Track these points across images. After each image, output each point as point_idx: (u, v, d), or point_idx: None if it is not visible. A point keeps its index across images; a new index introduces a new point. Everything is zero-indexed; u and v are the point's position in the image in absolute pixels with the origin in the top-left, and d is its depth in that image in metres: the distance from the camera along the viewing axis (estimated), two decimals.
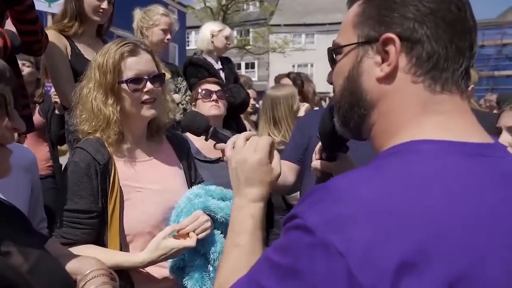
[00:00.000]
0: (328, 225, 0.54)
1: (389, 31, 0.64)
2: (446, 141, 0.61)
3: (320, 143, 1.11)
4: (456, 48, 0.63)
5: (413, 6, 0.63)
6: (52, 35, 2.25)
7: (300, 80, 3.93)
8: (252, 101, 4.17)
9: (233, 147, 0.88)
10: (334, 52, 0.73)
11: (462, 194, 0.56)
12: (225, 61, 3.43)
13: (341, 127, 0.77)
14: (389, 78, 0.65)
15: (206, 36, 3.34)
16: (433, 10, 0.62)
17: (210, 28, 3.34)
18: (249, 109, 4.19)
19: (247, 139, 0.87)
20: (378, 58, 0.66)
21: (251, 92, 4.22)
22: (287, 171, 1.96)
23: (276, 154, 0.88)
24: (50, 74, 2.47)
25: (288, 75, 3.96)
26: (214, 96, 2.34)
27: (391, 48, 0.64)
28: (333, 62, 0.74)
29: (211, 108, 2.31)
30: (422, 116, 0.64)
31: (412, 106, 0.64)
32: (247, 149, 0.85)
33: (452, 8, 0.62)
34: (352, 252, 0.52)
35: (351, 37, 0.69)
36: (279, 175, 0.86)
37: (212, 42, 3.30)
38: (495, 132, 1.54)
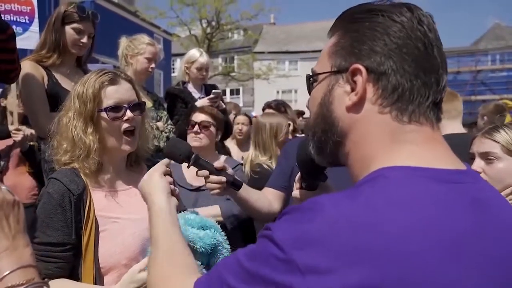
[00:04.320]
0: (296, 242, 0.56)
1: (358, 62, 0.66)
2: (416, 167, 0.63)
3: (299, 173, 1.12)
4: (421, 82, 0.65)
5: (381, 40, 0.65)
6: (29, 65, 2.25)
7: (283, 108, 3.98)
8: (240, 126, 4.19)
9: None
10: (312, 79, 0.76)
11: (430, 220, 0.57)
12: (210, 88, 3.47)
13: (316, 154, 0.78)
14: (356, 107, 0.67)
15: (181, 68, 3.45)
16: (400, 46, 0.65)
17: (184, 59, 3.44)
18: (237, 136, 4.20)
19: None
20: (348, 88, 0.68)
21: (242, 118, 4.24)
22: (272, 199, 1.92)
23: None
24: (25, 103, 2.44)
25: (269, 105, 4.03)
26: (197, 128, 2.35)
27: (358, 79, 0.66)
28: (310, 88, 0.77)
29: (191, 139, 2.33)
30: (393, 145, 0.66)
31: (381, 135, 0.66)
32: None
33: (418, 45, 0.65)
34: (311, 271, 0.53)
35: (325, 65, 0.72)
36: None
37: (188, 74, 3.38)
38: (473, 157, 1.55)
